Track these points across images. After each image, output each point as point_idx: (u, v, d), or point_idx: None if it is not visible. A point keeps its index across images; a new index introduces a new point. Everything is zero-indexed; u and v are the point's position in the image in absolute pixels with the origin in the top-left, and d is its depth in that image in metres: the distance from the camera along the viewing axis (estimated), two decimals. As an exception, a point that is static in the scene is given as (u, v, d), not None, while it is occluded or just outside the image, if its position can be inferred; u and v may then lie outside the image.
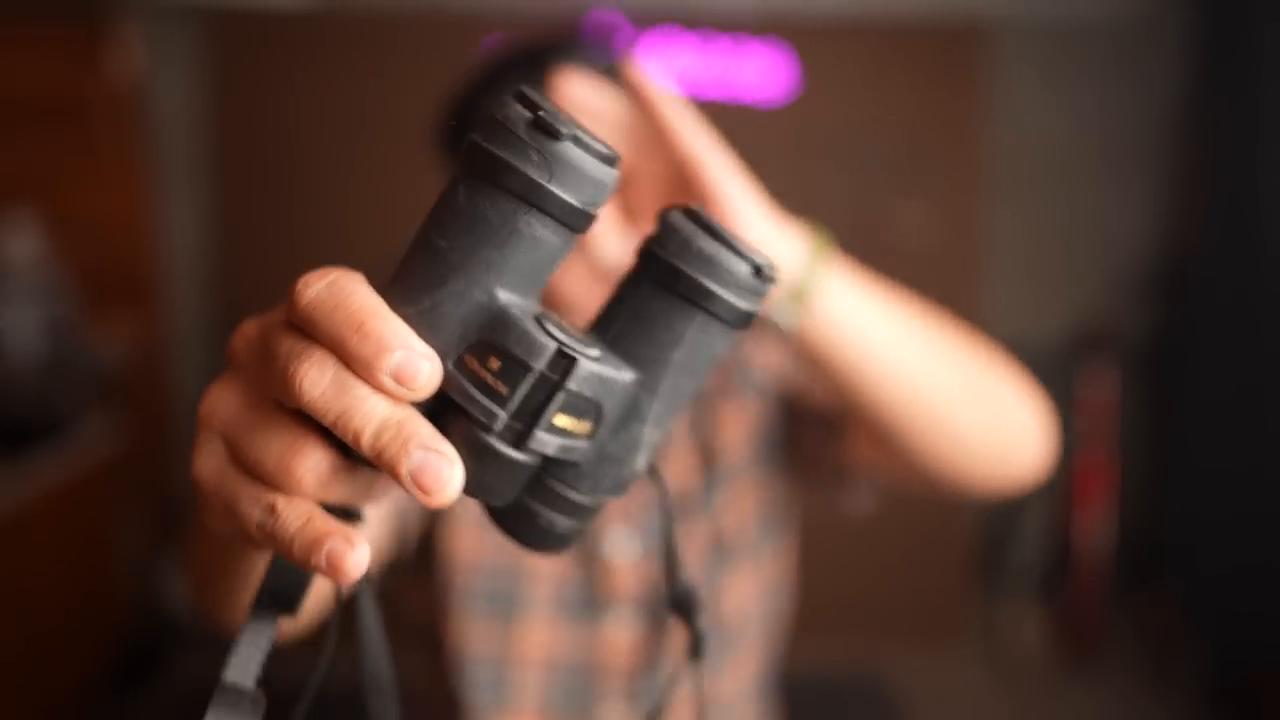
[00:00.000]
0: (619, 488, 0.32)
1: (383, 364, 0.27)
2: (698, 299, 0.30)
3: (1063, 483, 3.15)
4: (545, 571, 0.79)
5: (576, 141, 0.27)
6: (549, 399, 0.28)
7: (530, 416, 0.28)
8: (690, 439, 0.82)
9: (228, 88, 2.71)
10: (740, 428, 0.82)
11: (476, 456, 0.28)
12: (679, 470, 0.81)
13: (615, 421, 0.30)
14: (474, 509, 0.75)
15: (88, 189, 2.78)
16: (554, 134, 0.27)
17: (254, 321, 0.33)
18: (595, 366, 0.28)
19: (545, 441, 0.28)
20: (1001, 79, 2.90)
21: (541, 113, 0.27)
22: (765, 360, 0.84)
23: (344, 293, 0.29)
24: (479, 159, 0.28)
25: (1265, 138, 2.31)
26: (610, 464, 0.31)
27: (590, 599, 0.79)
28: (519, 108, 0.28)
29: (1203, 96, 2.90)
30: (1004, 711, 2.63)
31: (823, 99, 2.75)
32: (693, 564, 0.79)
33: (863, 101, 2.78)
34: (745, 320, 0.31)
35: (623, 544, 0.78)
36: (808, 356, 0.59)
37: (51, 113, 2.72)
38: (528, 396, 0.28)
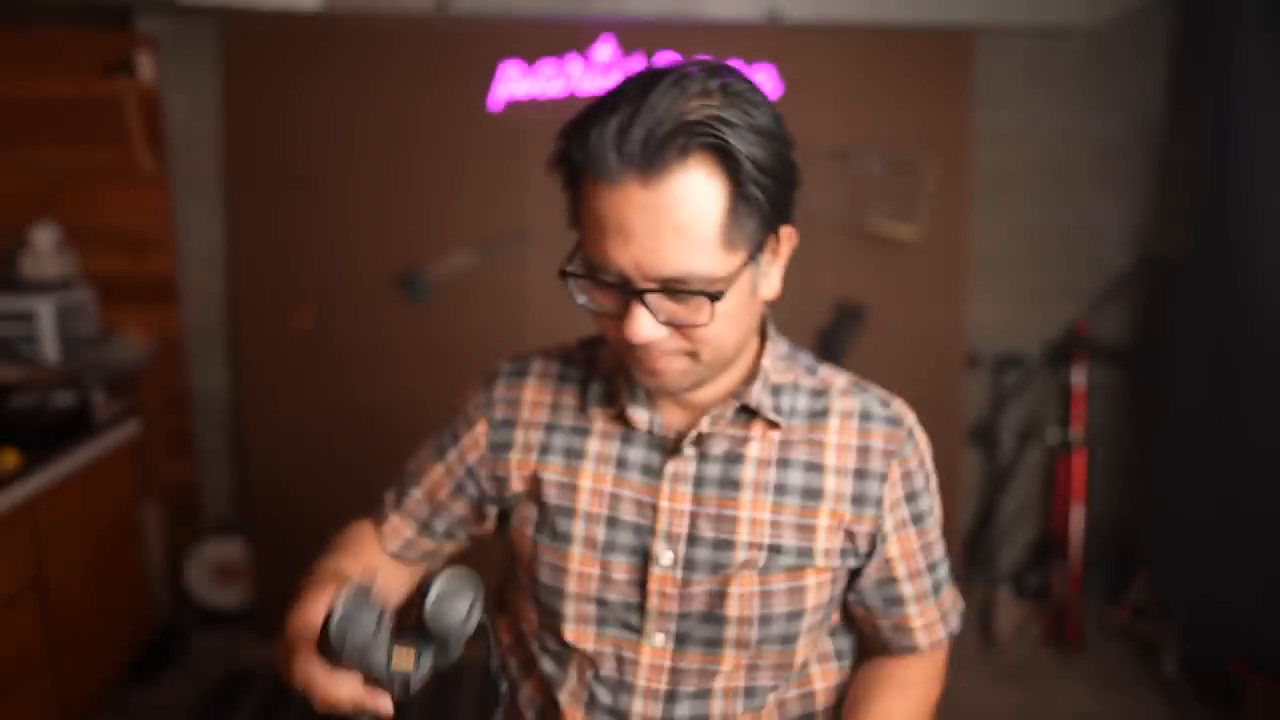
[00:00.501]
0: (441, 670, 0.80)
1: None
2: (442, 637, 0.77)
3: (1047, 480, 3.23)
4: (595, 575, 0.90)
5: (345, 639, 0.75)
6: (407, 684, 0.76)
7: (404, 687, 0.76)
8: (779, 507, 0.88)
9: (243, 92, 2.78)
10: (826, 521, 0.88)
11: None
12: (755, 530, 0.87)
13: (433, 669, 0.78)
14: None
15: (109, 193, 2.86)
16: (338, 642, 0.75)
17: (283, 650, 0.84)
18: (420, 675, 0.77)
19: (413, 687, 0.76)
20: (988, 85, 2.96)
21: (333, 628, 0.75)
22: (889, 492, 0.89)
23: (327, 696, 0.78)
24: (330, 640, 0.76)
25: (1241, 143, 2.35)
26: (438, 669, 0.78)
27: (634, 606, 0.89)
28: (335, 615, 0.75)
29: (1182, 102, 2.96)
30: (990, 703, 2.69)
31: (811, 105, 2.82)
32: (748, 604, 0.87)
33: (851, 107, 2.84)
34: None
35: (659, 554, 0.87)
36: None
37: (70, 117, 2.81)
38: (400, 685, 0.77)
